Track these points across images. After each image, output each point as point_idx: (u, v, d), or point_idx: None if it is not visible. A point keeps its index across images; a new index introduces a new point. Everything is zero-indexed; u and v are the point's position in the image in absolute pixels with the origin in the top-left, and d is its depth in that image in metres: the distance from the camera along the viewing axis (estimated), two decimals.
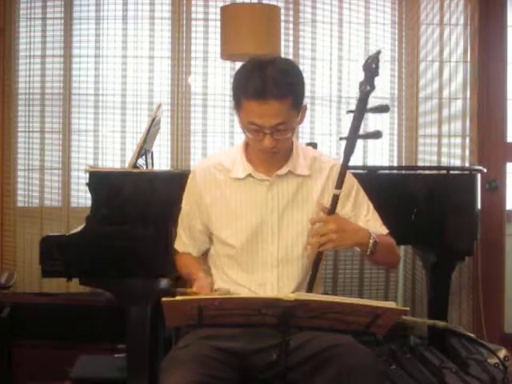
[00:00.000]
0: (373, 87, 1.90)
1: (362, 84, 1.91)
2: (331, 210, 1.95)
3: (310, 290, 1.97)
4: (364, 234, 1.96)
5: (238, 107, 1.94)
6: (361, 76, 1.92)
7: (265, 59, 1.93)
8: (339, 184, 1.95)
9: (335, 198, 1.95)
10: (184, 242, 2.18)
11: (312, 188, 2.06)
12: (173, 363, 1.85)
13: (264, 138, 1.91)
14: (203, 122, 3.90)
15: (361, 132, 2.00)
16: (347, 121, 2.00)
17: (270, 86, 1.85)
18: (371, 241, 1.95)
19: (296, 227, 2.02)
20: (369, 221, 2.08)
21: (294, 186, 2.05)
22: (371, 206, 2.12)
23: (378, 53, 1.88)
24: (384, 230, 2.11)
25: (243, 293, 2.01)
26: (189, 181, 2.14)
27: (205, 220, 2.10)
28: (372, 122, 3.87)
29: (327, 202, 1.98)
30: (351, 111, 1.99)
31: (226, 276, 2.06)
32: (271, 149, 1.94)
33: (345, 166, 1.95)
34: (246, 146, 2.08)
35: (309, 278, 1.99)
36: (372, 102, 2.06)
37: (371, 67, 1.88)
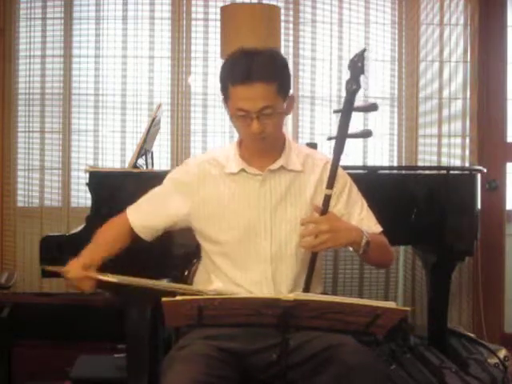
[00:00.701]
0: (359, 86, 1.90)
1: (348, 83, 1.91)
2: (324, 211, 1.94)
3: (307, 288, 1.96)
4: (357, 233, 1.95)
5: (226, 97, 1.96)
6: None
7: (251, 48, 1.97)
8: (330, 184, 1.95)
9: (327, 198, 1.95)
10: (139, 211, 2.17)
11: (305, 184, 2.05)
12: (173, 363, 1.85)
13: (251, 123, 1.91)
14: (203, 122, 3.90)
15: (352, 131, 1.99)
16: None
17: (255, 69, 1.88)
18: (364, 240, 1.94)
19: (289, 223, 2.02)
20: (362, 219, 2.07)
21: (287, 182, 2.05)
22: (365, 204, 2.11)
23: (364, 51, 1.89)
24: (378, 229, 2.10)
25: (240, 293, 2.00)
26: (182, 172, 2.12)
27: (195, 215, 2.07)
28: (372, 121, 3.87)
29: (321, 199, 1.97)
30: (338, 111, 1.99)
31: (225, 276, 2.06)
32: (260, 134, 1.94)
33: (335, 166, 1.95)
34: (240, 143, 2.09)
35: (305, 276, 1.98)
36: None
37: (357, 66, 1.88)
